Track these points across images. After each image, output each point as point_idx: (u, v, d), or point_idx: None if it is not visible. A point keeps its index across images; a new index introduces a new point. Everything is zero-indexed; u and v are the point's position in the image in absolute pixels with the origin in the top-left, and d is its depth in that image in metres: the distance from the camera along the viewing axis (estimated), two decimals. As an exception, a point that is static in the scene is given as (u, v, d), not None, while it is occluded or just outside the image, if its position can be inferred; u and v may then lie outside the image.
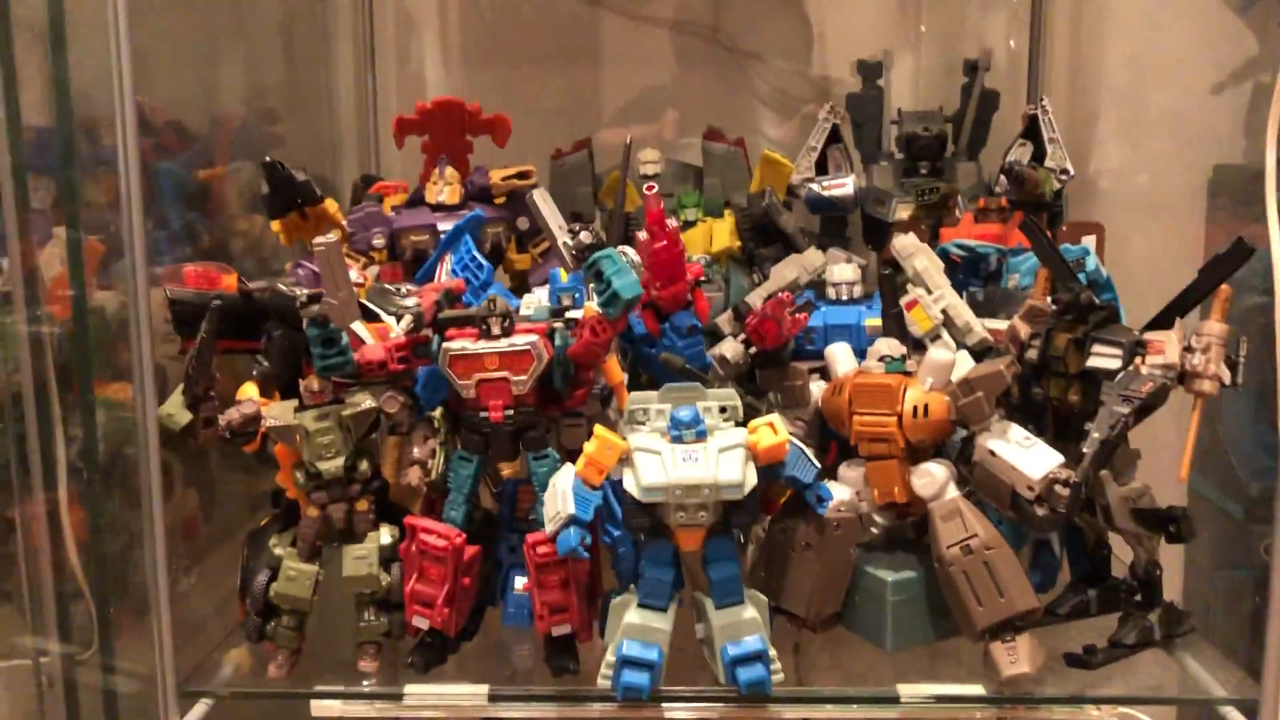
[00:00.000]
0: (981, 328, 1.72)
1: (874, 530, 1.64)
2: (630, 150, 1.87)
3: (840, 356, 1.62)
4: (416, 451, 1.50)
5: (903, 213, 2.17)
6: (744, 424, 1.47)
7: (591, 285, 1.44)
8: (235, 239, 2.20)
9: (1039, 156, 2.15)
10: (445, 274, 1.71)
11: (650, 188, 1.48)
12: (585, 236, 1.43)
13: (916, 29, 2.54)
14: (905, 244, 1.75)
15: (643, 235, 1.53)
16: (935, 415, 1.50)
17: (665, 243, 1.52)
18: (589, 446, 1.42)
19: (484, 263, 1.68)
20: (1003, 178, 2.02)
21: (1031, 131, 2.17)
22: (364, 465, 1.51)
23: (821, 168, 2.22)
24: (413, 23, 2.55)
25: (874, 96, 2.28)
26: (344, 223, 1.87)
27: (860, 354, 1.64)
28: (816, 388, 1.64)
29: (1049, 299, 1.61)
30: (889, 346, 1.59)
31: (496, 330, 1.47)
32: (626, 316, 1.46)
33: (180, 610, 1.59)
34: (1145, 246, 2.27)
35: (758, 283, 1.93)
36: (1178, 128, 2.34)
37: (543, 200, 1.69)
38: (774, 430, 1.43)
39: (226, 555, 1.79)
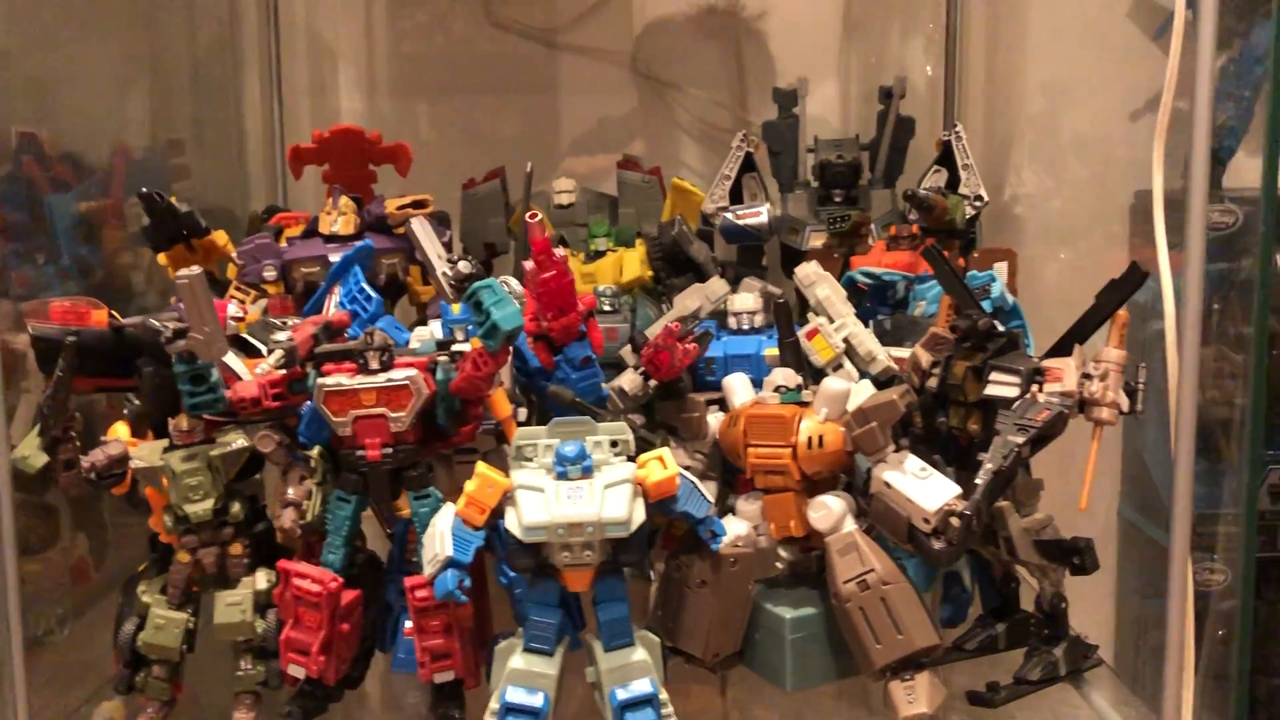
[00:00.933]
0: (885, 356, 1.69)
1: (778, 565, 1.59)
2: (530, 178, 1.83)
3: (737, 388, 1.58)
4: (291, 492, 1.44)
5: (816, 241, 2.16)
6: (636, 458, 1.42)
7: (472, 317, 1.39)
8: (132, 272, 2.13)
9: (954, 183, 2.13)
10: (334, 307, 1.65)
11: (533, 215, 1.44)
12: (464, 266, 1.39)
13: (837, 57, 2.52)
14: (807, 272, 1.72)
15: (529, 265, 1.48)
16: (830, 446, 1.46)
17: (553, 272, 1.48)
18: (469, 485, 1.37)
19: (372, 295, 1.63)
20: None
21: (946, 158, 2.16)
22: (236, 508, 1.45)
23: (737, 196, 2.20)
24: (324, 53, 2.51)
25: (790, 124, 2.27)
26: (233, 254, 1.81)
27: (760, 384, 1.60)
28: (714, 419, 1.60)
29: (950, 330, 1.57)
30: (784, 377, 1.55)
31: (374, 365, 1.41)
32: (509, 349, 1.41)
33: (59, 661, 1.52)
34: (1060, 273, 2.26)
35: (666, 313, 1.89)
36: (1095, 154, 2.33)
37: (421, 228, 1.64)
38: (663, 464, 1.38)
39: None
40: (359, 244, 1.71)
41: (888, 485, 1.44)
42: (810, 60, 2.48)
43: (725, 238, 2.17)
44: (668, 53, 2.51)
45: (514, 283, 1.49)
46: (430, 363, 1.44)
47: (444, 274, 1.53)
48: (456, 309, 1.58)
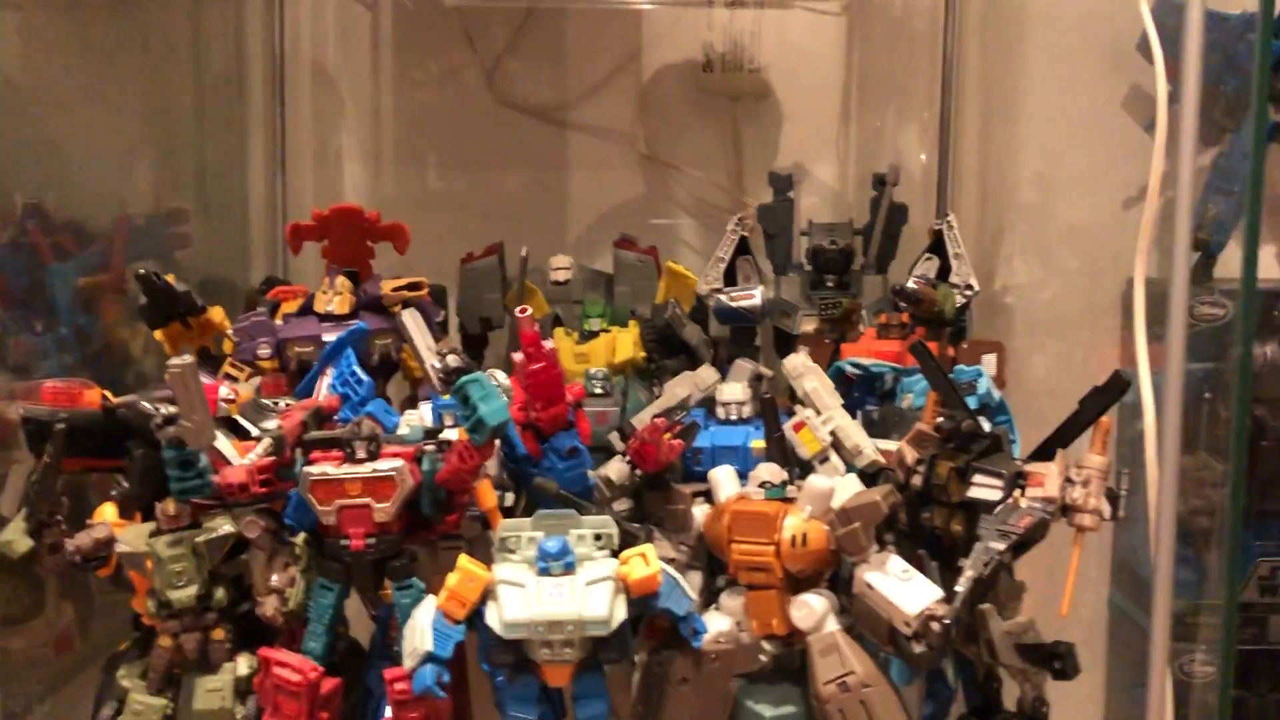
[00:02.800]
0: (872, 449, 1.69)
1: (761, 658, 1.58)
2: (525, 262, 1.85)
3: (723, 481, 1.59)
4: (275, 579, 1.44)
5: (807, 325, 2.17)
6: (619, 553, 1.43)
7: (458, 411, 1.40)
8: (130, 343, 2.15)
9: (945, 271, 2.15)
10: (325, 389, 1.66)
11: (523, 310, 1.46)
12: (452, 360, 1.40)
13: (834, 140, 2.56)
14: (795, 364, 1.73)
15: (518, 357, 1.49)
16: (814, 545, 1.47)
17: (542, 364, 1.49)
18: (451, 579, 1.38)
19: (364, 379, 1.64)
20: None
21: (937, 246, 2.18)
22: (220, 594, 1.45)
23: (731, 278, 2.21)
24: (328, 124, 2.54)
25: (784, 207, 2.29)
26: (229, 331, 1.83)
27: (747, 477, 1.60)
28: (700, 511, 1.60)
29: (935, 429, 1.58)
30: (770, 472, 1.55)
31: (361, 454, 1.43)
32: (494, 443, 1.42)
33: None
34: (1049, 365, 2.27)
35: (656, 396, 1.90)
36: (1087, 244, 2.35)
37: (412, 321, 1.67)
38: (646, 561, 1.39)
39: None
40: (352, 327, 1.73)
41: (869, 587, 1.44)
42: (808, 143, 2.52)
43: (719, 319, 2.19)
44: (669, 133, 2.54)
45: (501, 376, 1.51)
46: (417, 452, 1.45)
47: (433, 367, 1.55)
48: (446, 395, 1.60)
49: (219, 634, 1.46)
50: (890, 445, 1.69)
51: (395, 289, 1.83)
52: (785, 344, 2.19)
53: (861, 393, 1.87)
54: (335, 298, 1.85)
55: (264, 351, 1.82)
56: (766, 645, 1.57)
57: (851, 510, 1.45)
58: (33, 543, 1.39)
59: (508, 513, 1.57)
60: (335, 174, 2.56)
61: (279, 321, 1.88)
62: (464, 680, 1.50)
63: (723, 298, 2.16)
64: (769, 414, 1.61)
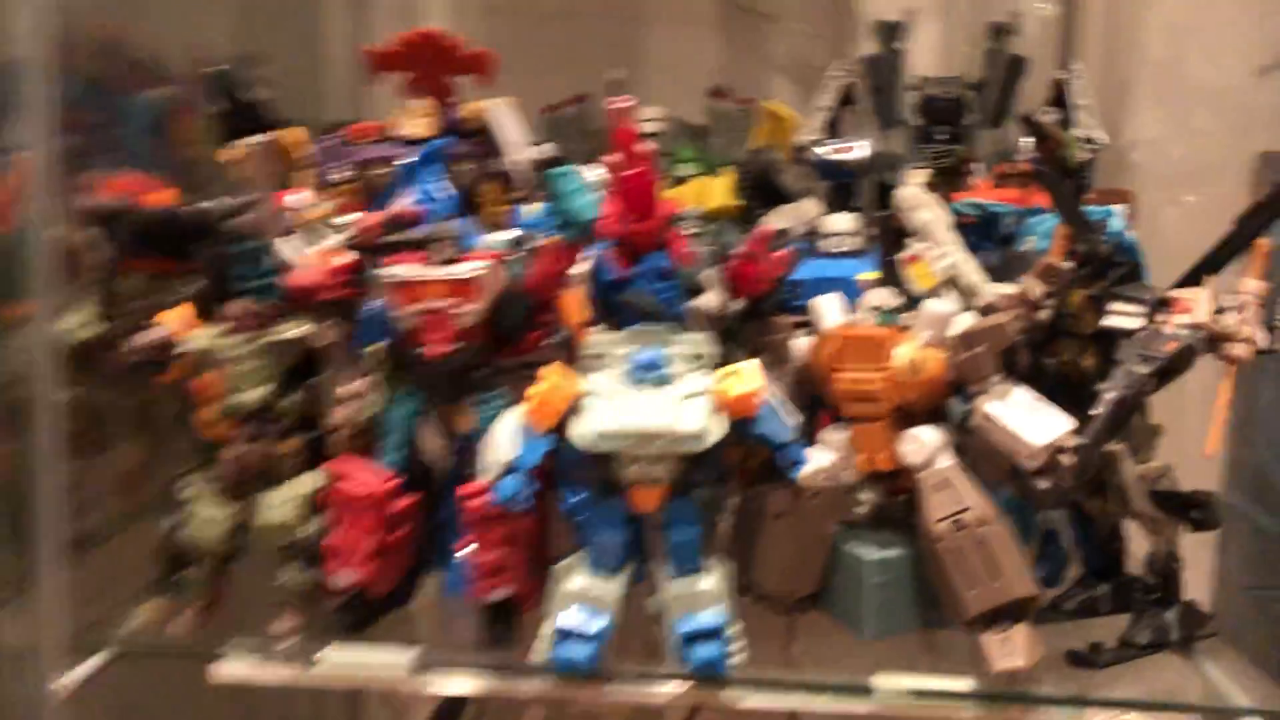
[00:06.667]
0: (989, 290, 1.55)
1: (859, 508, 1.46)
2: (617, 88, 1.72)
3: (826, 308, 1.46)
4: (349, 389, 1.35)
5: (915, 179, 2.01)
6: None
7: (548, 209, 1.29)
8: (204, 180, 2.06)
9: (1066, 127, 1.99)
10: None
11: (624, 98, 1.32)
12: (545, 149, 1.28)
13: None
14: (908, 195, 1.59)
15: (612, 158, 1.36)
16: (929, 372, 1.34)
17: (639, 168, 1.36)
18: (538, 387, 1.27)
19: (450, 193, 1.53)
20: (1023, 140, 1.87)
21: (1059, 100, 2.02)
22: (288, 401, 1.36)
23: (835, 131, 2.07)
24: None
25: (892, 59, 2.13)
26: (302, 158, 1.73)
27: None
28: (799, 344, 1.47)
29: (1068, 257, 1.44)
30: (882, 297, 1.42)
31: (445, 255, 1.32)
32: (585, 241, 1.31)
33: (103, 566, 1.45)
34: (1179, 222, 2.09)
35: (752, 240, 1.77)
36: (1221, 106, 2.16)
37: (504, 113, 1.53)
38: (743, 379, 1.27)
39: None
40: (439, 139, 1.61)
41: (990, 418, 1.31)
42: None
43: (818, 173, 2.04)
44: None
45: (593, 172, 1.38)
46: (505, 255, 1.34)
47: (517, 163, 1.43)
48: (529, 214, 1.49)
49: (290, 444, 1.37)
50: (1011, 290, 1.55)
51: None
52: (887, 199, 2.04)
53: (978, 238, 1.72)
54: (420, 120, 1.73)
55: (343, 174, 1.71)
56: (865, 494, 1.44)
57: (975, 333, 1.32)
58: (92, 332, 1.30)
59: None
60: (421, 21, 2.42)
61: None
62: (548, 504, 1.39)
63: (822, 150, 2.01)
64: (888, 235, 1.47)
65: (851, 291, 1.53)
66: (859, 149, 1.97)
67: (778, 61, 2.41)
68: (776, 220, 1.65)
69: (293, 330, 1.35)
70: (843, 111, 2.09)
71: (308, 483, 1.38)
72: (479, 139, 1.75)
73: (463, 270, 1.31)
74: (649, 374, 1.27)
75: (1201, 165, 2.14)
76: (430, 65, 1.86)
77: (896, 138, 2.09)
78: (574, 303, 1.37)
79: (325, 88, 2.38)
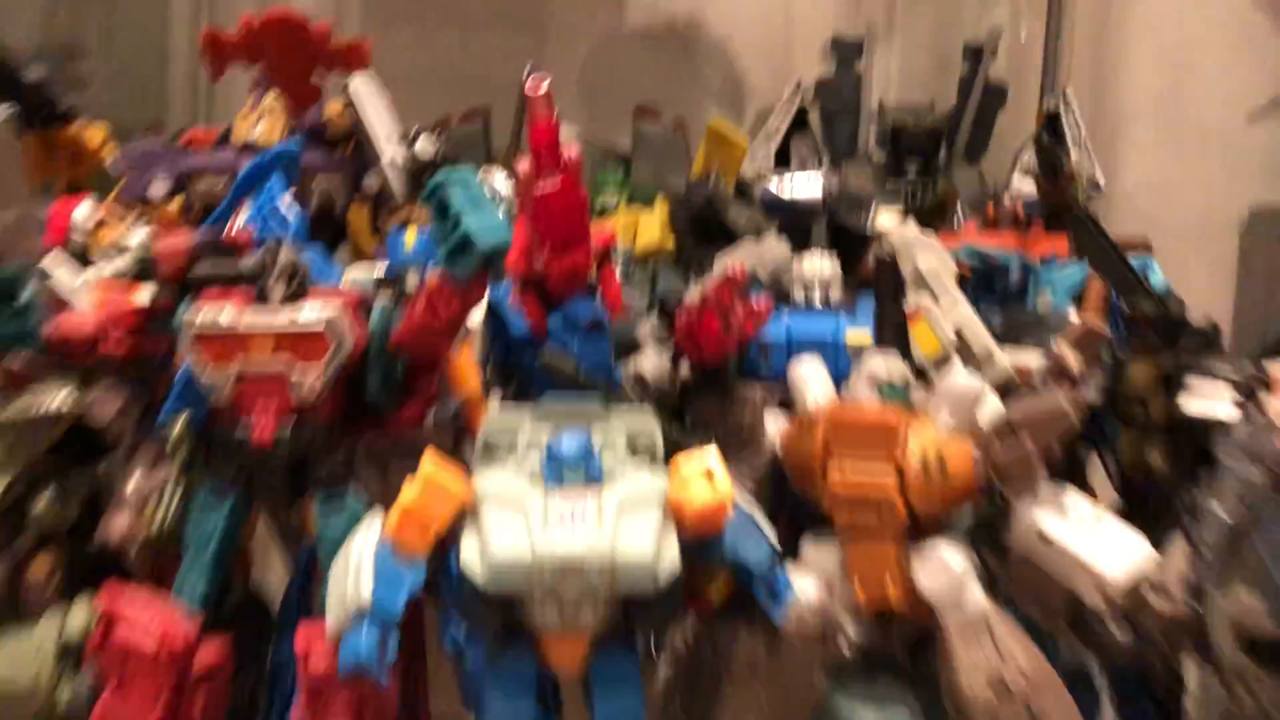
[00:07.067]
0: (1006, 358, 1.20)
1: (843, 645, 1.07)
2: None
3: (810, 378, 1.09)
4: (133, 484, 0.92)
5: (884, 221, 1.68)
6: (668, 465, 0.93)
7: (433, 224, 0.89)
8: None
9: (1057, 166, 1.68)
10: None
11: (539, 77, 0.94)
12: (424, 146, 0.89)
13: (899, 16, 2.07)
14: (906, 235, 1.24)
15: (523, 165, 0.98)
16: (956, 471, 0.98)
17: (558, 181, 0.97)
18: (408, 493, 0.87)
19: (294, 215, 1.12)
20: (1019, 175, 1.56)
21: (1051, 132, 1.72)
22: (42, 503, 0.93)
23: (782, 161, 1.73)
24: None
25: (850, 83, 1.85)
26: (110, 161, 1.31)
27: (840, 380, 1.10)
28: (774, 425, 1.09)
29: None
30: (887, 366, 1.05)
31: (278, 295, 0.91)
32: (484, 283, 0.91)
33: None
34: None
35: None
36: (1217, 149, 1.90)
37: (365, 89, 1.13)
38: (711, 481, 0.88)
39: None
40: (280, 146, 1.20)
41: (1047, 539, 0.94)
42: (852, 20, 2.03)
43: (767, 211, 1.70)
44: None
45: (500, 182, 0.99)
46: (363, 301, 0.93)
47: (393, 161, 1.02)
48: (412, 239, 1.09)
49: (41, 566, 0.94)
50: (1025, 356, 1.20)
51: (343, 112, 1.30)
52: (849, 246, 1.70)
53: (978, 292, 1.38)
54: (261, 121, 1.33)
55: (158, 188, 1.30)
56: (849, 626, 1.06)
57: (1025, 420, 0.96)
58: None
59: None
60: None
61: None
62: (420, 656, 0.98)
63: (774, 185, 1.67)
64: (887, 282, 1.11)
65: (838, 358, 1.17)
66: (814, 183, 1.64)
67: (708, 83, 2.06)
68: (735, 261, 1.27)
69: (54, 399, 0.92)
70: (794, 140, 1.76)
71: (70, 620, 0.94)
72: (347, 148, 1.34)
73: (305, 318, 0.90)
74: (573, 469, 0.87)
75: (1197, 213, 1.86)
76: (286, 56, 1.46)
77: (857, 171, 1.76)
78: (466, 365, 0.97)
79: (172, 85, 1.95)
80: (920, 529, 1.04)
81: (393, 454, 1.08)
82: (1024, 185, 1.71)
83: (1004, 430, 0.99)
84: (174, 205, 1.33)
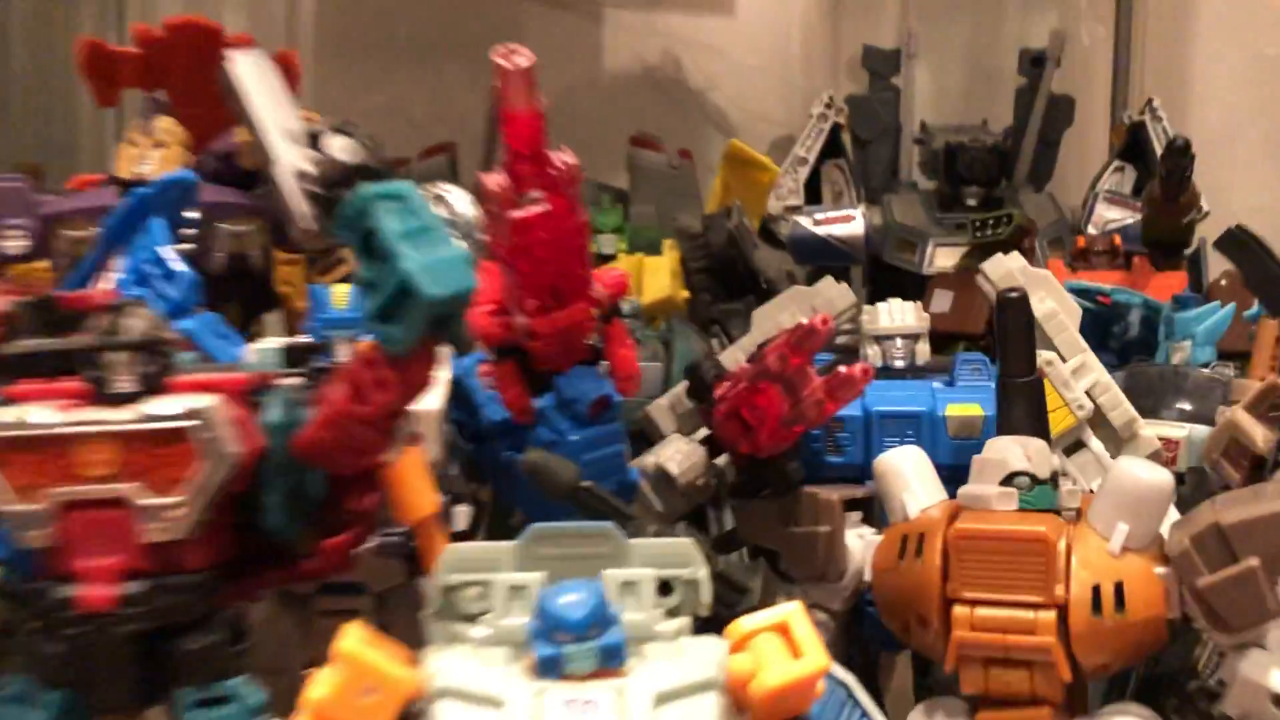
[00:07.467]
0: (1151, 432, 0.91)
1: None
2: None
3: (909, 473, 0.77)
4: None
5: (944, 260, 1.42)
6: (714, 622, 0.65)
7: (360, 267, 0.58)
8: None
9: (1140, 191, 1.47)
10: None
11: (510, 50, 0.63)
12: (339, 146, 0.58)
13: (934, 27, 1.81)
14: (1007, 269, 0.93)
15: (493, 180, 0.67)
16: (1144, 603, 0.66)
17: (547, 202, 0.66)
18: (319, 685, 0.55)
19: (179, 269, 0.81)
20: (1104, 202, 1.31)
21: (1132, 152, 1.46)
22: None
23: (814, 192, 1.46)
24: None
25: (887, 100, 1.60)
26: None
27: (948, 473, 0.78)
28: (859, 542, 0.78)
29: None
30: (1023, 453, 0.73)
31: (124, 382, 0.60)
32: (429, 356, 0.59)
33: None
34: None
35: (723, 349, 1.11)
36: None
37: (254, 72, 0.81)
38: (793, 645, 0.57)
39: None
40: (166, 176, 0.90)
41: (1281, 703, 0.63)
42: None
43: (796, 254, 1.43)
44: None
45: (460, 202, 0.68)
46: (254, 385, 0.62)
47: (297, 169, 0.70)
48: (343, 294, 0.78)
49: None
50: (1169, 429, 0.92)
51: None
52: (896, 291, 1.41)
53: (1089, 341, 1.07)
54: (153, 152, 1.03)
55: (15, 242, 0.99)
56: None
57: (1246, 527, 0.64)
58: None
59: (463, 537, 0.75)
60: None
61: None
62: None
63: (806, 221, 1.40)
64: (1013, 330, 0.78)
65: (936, 437, 0.85)
66: (857, 218, 1.37)
67: (712, 114, 1.78)
68: (779, 313, 0.97)
69: None
70: (826, 167, 1.49)
71: None
72: (265, 184, 1.03)
73: (161, 412, 0.58)
74: (578, 643, 0.56)
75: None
76: (198, 77, 1.16)
77: (904, 202, 1.48)
78: (414, 473, 0.65)
79: (78, 122, 1.66)
80: (1078, 690, 0.72)
81: (315, 603, 0.76)
82: (1109, 212, 1.43)
83: (1212, 542, 0.67)
84: (42, 264, 1.02)
